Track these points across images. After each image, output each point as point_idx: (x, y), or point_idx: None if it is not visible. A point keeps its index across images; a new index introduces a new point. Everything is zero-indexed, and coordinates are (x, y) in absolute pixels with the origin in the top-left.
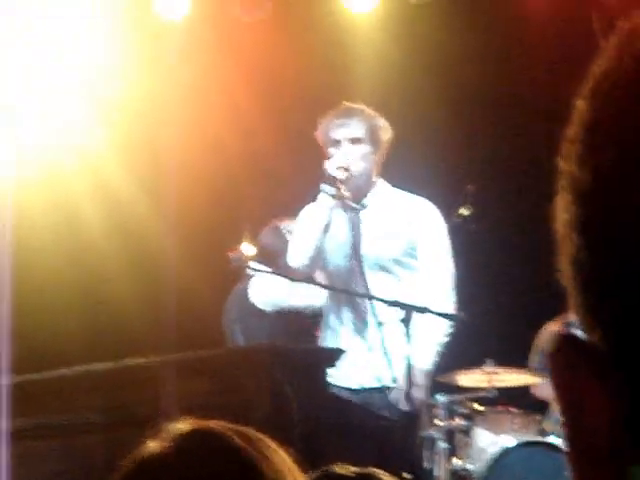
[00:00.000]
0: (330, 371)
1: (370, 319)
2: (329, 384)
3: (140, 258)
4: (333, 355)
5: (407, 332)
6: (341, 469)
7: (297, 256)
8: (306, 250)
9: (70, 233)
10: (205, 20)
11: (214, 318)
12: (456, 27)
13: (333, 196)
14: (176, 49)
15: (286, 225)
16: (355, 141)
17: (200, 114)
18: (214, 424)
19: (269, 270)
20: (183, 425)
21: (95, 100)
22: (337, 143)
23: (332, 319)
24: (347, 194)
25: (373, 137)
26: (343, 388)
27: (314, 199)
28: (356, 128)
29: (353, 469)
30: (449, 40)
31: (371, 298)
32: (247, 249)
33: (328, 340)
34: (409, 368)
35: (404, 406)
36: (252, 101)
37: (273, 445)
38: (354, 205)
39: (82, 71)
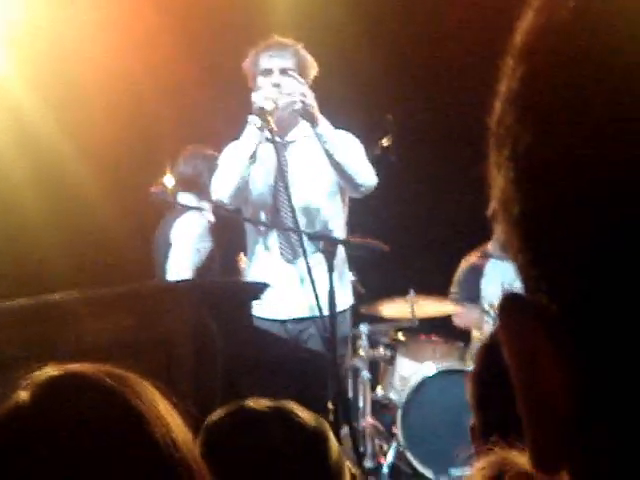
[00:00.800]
0: (257, 302)
1: (299, 250)
2: (256, 317)
3: (57, 192)
4: (258, 289)
5: (330, 264)
6: (255, 403)
7: (221, 188)
8: (231, 182)
9: None
10: None
11: (136, 254)
12: None
13: (260, 128)
14: None
15: (201, 150)
16: (286, 72)
17: (113, 41)
18: (86, 367)
19: (193, 203)
20: (49, 370)
21: (6, 39)
22: (268, 72)
23: (259, 250)
24: (274, 126)
25: (302, 70)
26: (271, 320)
27: (235, 131)
28: (288, 59)
29: (267, 403)
30: None
31: (296, 231)
32: (169, 182)
33: (255, 271)
34: (332, 299)
35: (326, 337)
36: (164, 27)
37: (144, 384)
38: (280, 140)
39: None
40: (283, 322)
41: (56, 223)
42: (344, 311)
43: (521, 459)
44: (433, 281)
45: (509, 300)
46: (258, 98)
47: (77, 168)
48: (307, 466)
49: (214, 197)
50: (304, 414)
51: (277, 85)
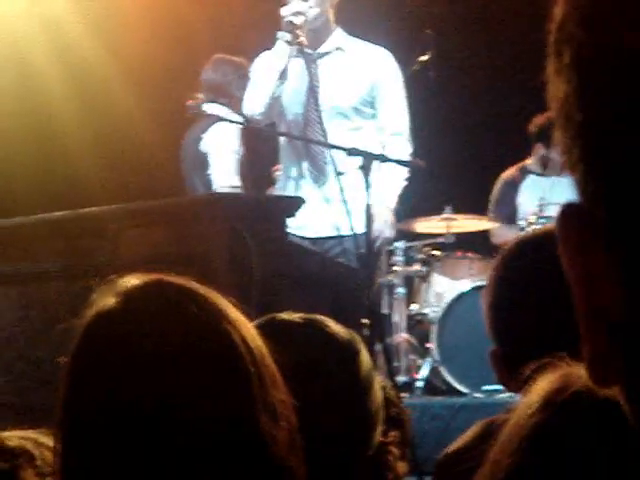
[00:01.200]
0: (288, 221)
1: (329, 169)
2: (288, 233)
3: (95, 107)
4: (293, 204)
5: (367, 180)
6: (287, 315)
7: (252, 104)
8: (262, 97)
9: (24, 81)
10: None
11: (173, 169)
12: None
13: (289, 42)
14: None
15: (229, 58)
16: None
17: None
18: (166, 276)
19: (226, 115)
20: (134, 278)
21: None
22: None
23: (291, 170)
24: (304, 40)
25: None
26: (301, 237)
27: (268, 45)
28: None
29: (299, 315)
30: None
31: (330, 147)
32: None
33: (288, 191)
34: (369, 214)
35: (362, 252)
36: None
37: (225, 300)
38: (312, 52)
39: None
40: (312, 240)
41: (94, 139)
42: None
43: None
44: (470, 198)
45: (566, 210)
46: (287, 12)
47: (113, 83)
48: (337, 377)
49: (246, 112)
50: (336, 327)
51: None
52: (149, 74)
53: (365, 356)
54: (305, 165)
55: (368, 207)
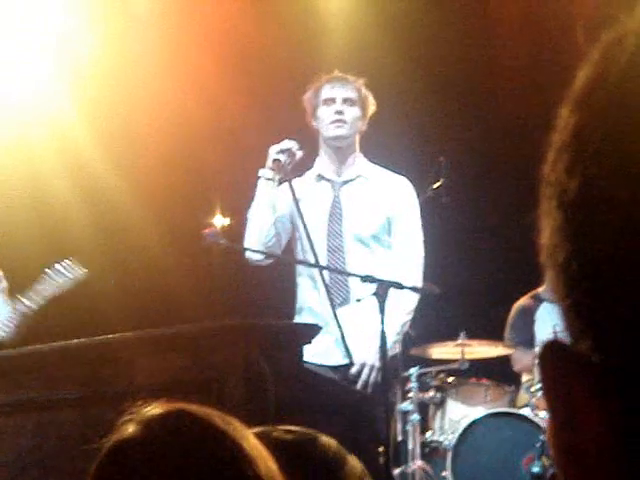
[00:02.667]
0: (307, 348)
1: (348, 295)
2: (306, 361)
3: (111, 236)
4: (310, 331)
5: (381, 307)
6: (280, 432)
7: (250, 253)
8: (257, 242)
9: (41, 209)
10: None
11: (187, 295)
12: None
13: (270, 180)
14: (143, 17)
15: None
16: (349, 101)
17: (170, 87)
18: (187, 406)
19: (247, 247)
20: (156, 407)
21: (62, 68)
22: (330, 101)
23: (309, 295)
24: (285, 173)
25: (363, 103)
26: (320, 365)
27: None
28: (351, 90)
29: (295, 430)
30: (425, 11)
31: (347, 274)
32: (219, 222)
33: (305, 317)
34: (384, 342)
35: (376, 380)
36: (220, 72)
37: (244, 427)
38: (334, 179)
39: (48, 37)
40: (332, 368)
41: (112, 267)
42: (395, 355)
43: None
44: (484, 324)
45: (551, 348)
46: (272, 150)
47: (131, 211)
48: None
49: (250, 262)
50: (327, 441)
51: (340, 112)
52: (164, 198)
53: (355, 464)
54: (323, 290)
55: (383, 334)
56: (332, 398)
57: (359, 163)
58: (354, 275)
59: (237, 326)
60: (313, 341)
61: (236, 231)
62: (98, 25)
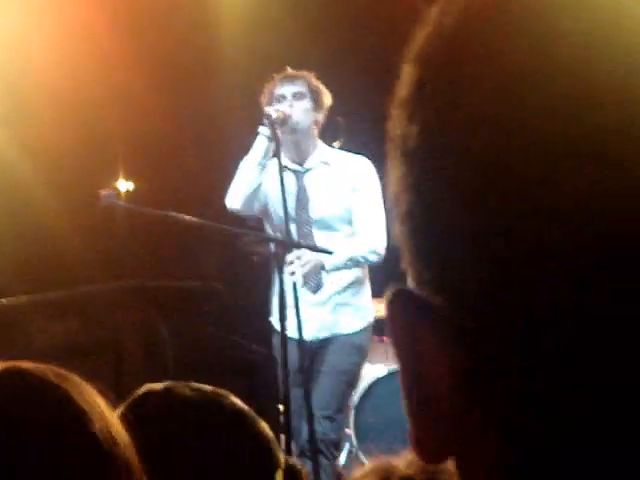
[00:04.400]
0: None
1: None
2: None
3: (3, 196)
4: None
5: (280, 270)
6: (187, 389)
7: (233, 195)
8: (242, 190)
9: None
10: None
11: (83, 258)
12: None
13: (269, 138)
14: None
15: None
16: (298, 95)
17: (61, 44)
18: (21, 364)
19: (144, 208)
20: None
21: None
22: (282, 98)
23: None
24: (280, 135)
25: (315, 96)
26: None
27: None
28: (300, 85)
29: (204, 387)
30: None
31: (297, 246)
32: (122, 185)
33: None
34: (282, 303)
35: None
36: (122, 39)
37: (87, 386)
38: (298, 168)
39: None
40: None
41: (4, 229)
42: (368, 326)
43: (402, 464)
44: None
45: (399, 295)
46: (269, 109)
47: (27, 174)
48: (236, 443)
49: (227, 206)
50: (232, 400)
51: (291, 107)
52: (60, 161)
53: (265, 426)
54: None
55: (282, 292)
56: (233, 359)
57: (320, 150)
58: (287, 243)
59: (134, 288)
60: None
61: (140, 195)
62: None
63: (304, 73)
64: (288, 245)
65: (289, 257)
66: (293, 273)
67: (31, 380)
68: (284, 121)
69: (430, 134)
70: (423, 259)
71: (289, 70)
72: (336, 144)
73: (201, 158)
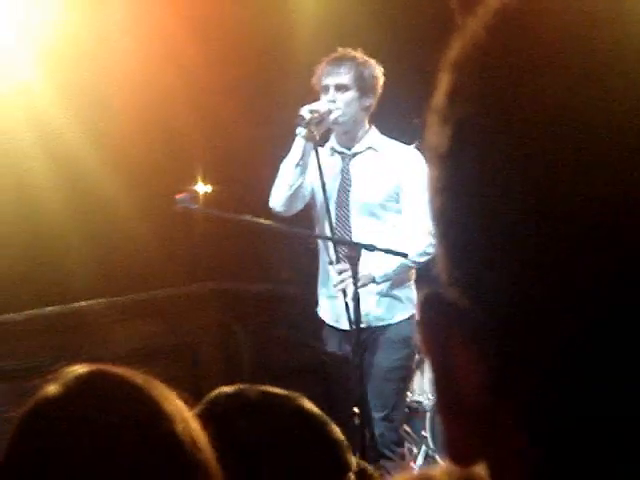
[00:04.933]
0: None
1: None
2: (325, 322)
3: (86, 201)
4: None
5: (354, 270)
6: (260, 392)
7: (274, 197)
8: (283, 191)
9: (13, 176)
10: None
11: (159, 260)
12: None
13: (305, 138)
14: None
15: None
16: (341, 88)
17: (146, 55)
18: (109, 367)
19: (219, 212)
20: (80, 368)
21: (29, 36)
22: (325, 90)
23: (323, 260)
24: (317, 135)
25: (361, 84)
26: (332, 327)
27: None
28: (343, 74)
29: (275, 390)
30: None
31: (330, 240)
32: (200, 188)
33: (323, 282)
34: (357, 306)
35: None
36: (199, 42)
37: (170, 392)
38: (345, 152)
39: (21, 14)
40: (343, 332)
41: (82, 232)
42: (409, 318)
43: (439, 472)
44: None
45: (430, 297)
46: (303, 109)
47: (104, 177)
48: (307, 446)
49: (271, 207)
50: (303, 402)
51: (333, 102)
52: (139, 166)
53: (337, 430)
54: (332, 255)
55: (357, 298)
56: (306, 361)
57: (370, 136)
58: (340, 241)
59: (211, 291)
60: (325, 306)
61: (219, 198)
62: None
63: (351, 55)
64: (347, 245)
65: (341, 274)
66: (344, 290)
67: (120, 383)
68: (321, 120)
69: (462, 137)
70: (453, 259)
71: (337, 52)
72: (414, 145)
73: (277, 162)
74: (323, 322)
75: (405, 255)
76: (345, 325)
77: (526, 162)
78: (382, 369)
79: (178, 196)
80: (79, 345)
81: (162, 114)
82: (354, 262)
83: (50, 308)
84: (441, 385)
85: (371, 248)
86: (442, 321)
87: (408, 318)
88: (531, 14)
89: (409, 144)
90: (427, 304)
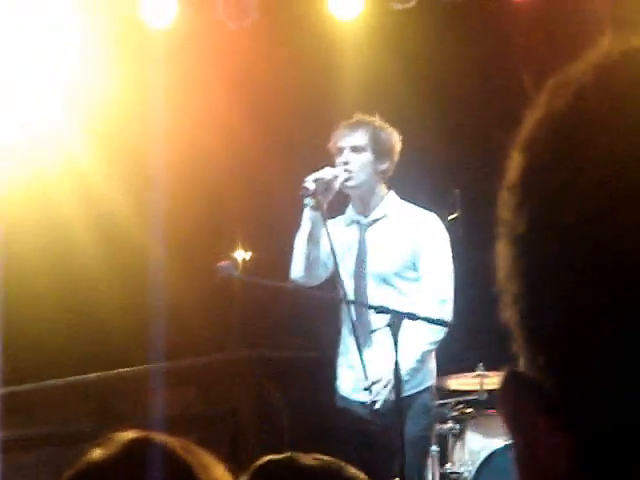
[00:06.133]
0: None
1: (372, 335)
2: (342, 395)
3: (126, 267)
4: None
5: (395, 338)
6: (304, 457)
7: (293, 268)
8: (299, 262)
9: (57, 244)
10: (191, 27)
11: (200, 327)
12: (440, 31)
13: (313, 208)
14: (161, 57)
15: None
16: (357, 149)
17: (186, 122)
18: (157, 435)
19: (260, 280)
20: (126, 434)
21: (79, 109)
22: (340, 152)
23: (344, 331)
24: (323, 205)
25: (377, 147)
26: (352, 400)
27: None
28: (359, 136)
29: (321, 458)
30: (434, 45)
31: (363, 306)
32: (239, 255)
33: (342, 352)
34: (397, 374)
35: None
36: (238, 109)
37: (213, 460)
38: (361, 220)
39: (65, 78)
40: (362, 404)
41: (126, 300)
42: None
43: None
44: (502, 356)
45: (509, 377)
46: (308, 178)
47: (146, 245)
48: None
49: (291, 277)
50: (353, 471)
51: (346, 163)
52: (182, 234)
53: None
54: (351, 327)
55: (397, 364)
56: (346, 428)
57: (386, 202)
58: (368, 307)
59: (249, 358)
60: (344, 376)
61: (258, 265)
62: (110, 58)
63: (367, 120)
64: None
65: (375, 386)
66: (375, 402)
67: (160, 451)
68: (327, 188)
69: (539, 223)
70: (535, 342)
71: (354, 117)
72: (452, 216)
73: None
74: (339, 394)
75: (445, 323)
76: (363, 397)
77: (610, 254)
78: (407, 440)
79: (220, 263)
80: (120, 412)
81: (203, 182)
82: (395, 330)
83: (92, 374)
84: (523, 468)
85: (413, 317)
86: (525, 401)
87: (428, 387)
88: (614, 89)
89: (447, 216)
90: (509, 383)
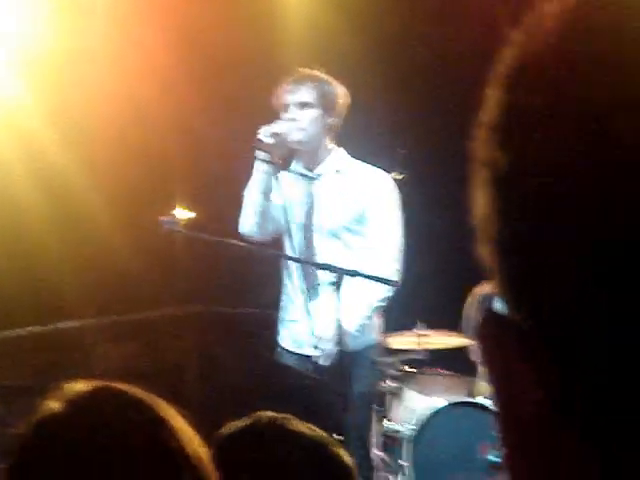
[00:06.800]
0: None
1: (317, 284)
2: (283, 348)
3: (69, 221)
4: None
5: (337, 296)
6: (296, 424)
7: (242, 223)
8: (249, 217)
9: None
10: None
11: (145, 283)
12: None
13: (266, 161)
14: (100, 8)
15: None
16: (303, 105)
17: (126, 76)
18: (113, 384)
19: (202, 234)
20: (81, 385)
21: (16, 60)
22: (286, 108)
23: (286, 283)
24: (277, 159)
25: (324, 102)
26: (295, 354)
27: (248, 164)
28: (305, 93)
29: (311, 428)
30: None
31: (300, 262)
32: (181, 213)
33: (285, 306)
34: (340, 330)
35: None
36: (179, 64)
37: (173, 410)
38: (308, 174)
39: (1, 30)
40: (306, 357)
41: (67, 253)
42: (376, 344)
43: None
44: (443, 314)
45: (487, 318)
46: (262, 133)
47: (88, 198)
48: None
49: (240, 231)
50: (342, 452)
51: (293, 120)
52: (123, 189)
53: (342, 452)
54: (297, 280)
55: (339, 322)
56: (288, 385)
57: (334, 157)
58: (312, 264)
59: (194, 314)
60: (288, 330)
61: (201, 221)
62: (48, 9)
63: (313, 74)
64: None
65: (320, 341)
66: (320, 357)
67: (128, 400)
68: (279, 142)
69: (523, 164)
70: (512, 280)
71: (299, 71)
72: (396, 175)
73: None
74: (281, 348)
75: (391, 282)
76: (307, 350)
77: (599, 192)
78: (354, 395)
79: (162, 218)
80: (62, 365)
81: (144, 137)
82: (337, 287)
83: (34, 327)
84: (502, 409)
85: (354, 274)
86: (504, 341)
87: (374, 344)
88: (593, 16)
89: (389, 172)
90: (488, 325)
